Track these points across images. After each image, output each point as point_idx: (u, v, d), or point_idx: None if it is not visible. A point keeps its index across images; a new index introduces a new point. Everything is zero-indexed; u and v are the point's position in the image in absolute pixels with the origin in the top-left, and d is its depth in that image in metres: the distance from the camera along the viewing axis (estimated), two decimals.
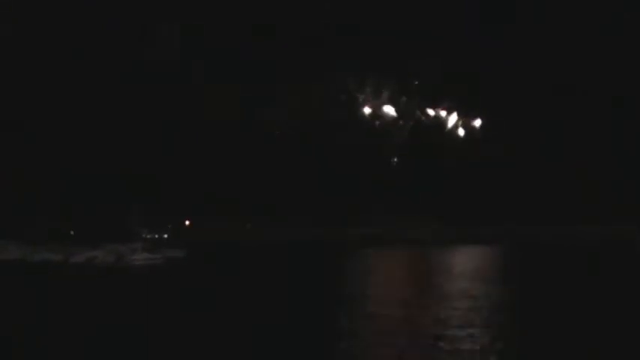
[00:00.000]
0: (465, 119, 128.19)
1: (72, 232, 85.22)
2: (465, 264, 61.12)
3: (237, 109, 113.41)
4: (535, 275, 50.65)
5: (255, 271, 56.31)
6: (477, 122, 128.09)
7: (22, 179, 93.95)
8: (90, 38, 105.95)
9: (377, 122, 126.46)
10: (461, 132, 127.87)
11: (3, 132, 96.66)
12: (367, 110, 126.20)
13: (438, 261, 66.61)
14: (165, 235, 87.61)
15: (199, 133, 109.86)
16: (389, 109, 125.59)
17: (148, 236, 73.63)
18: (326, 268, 59.79)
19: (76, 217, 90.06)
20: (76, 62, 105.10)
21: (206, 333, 25.52)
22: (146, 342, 24.27)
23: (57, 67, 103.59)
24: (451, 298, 34.65)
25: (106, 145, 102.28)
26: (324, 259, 70.67)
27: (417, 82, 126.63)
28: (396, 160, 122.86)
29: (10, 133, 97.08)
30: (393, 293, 37.99)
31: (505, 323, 26.95)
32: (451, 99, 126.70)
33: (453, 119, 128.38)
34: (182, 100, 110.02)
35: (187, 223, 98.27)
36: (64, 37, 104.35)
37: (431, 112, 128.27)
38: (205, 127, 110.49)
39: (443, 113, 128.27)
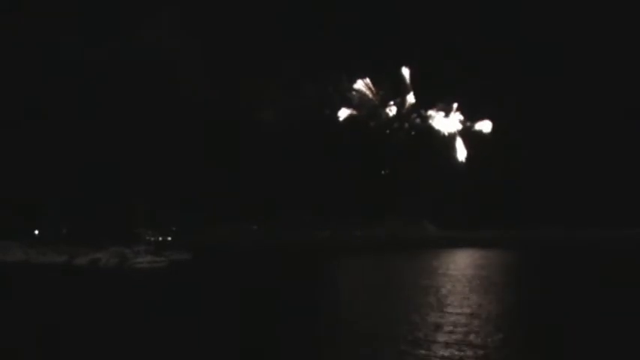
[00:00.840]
0: (468, 121, 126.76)
1: (64, 231, 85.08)
2: (465, 268, 60.74)
3: (237, 110, 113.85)
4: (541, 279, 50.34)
5: (255, 275, 56.08)
6: (486, 126, 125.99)
7: (26, 181, 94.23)
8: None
9: (372, 123, 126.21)
10: (459, 136, 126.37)
11: (5, 132, 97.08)
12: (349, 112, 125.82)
13: (436, 264, 66.21)
14: (169, 238, 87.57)
15: (199, 134, 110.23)
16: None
17: (152, 239, 73.51)
18: (325, 271, 59.82)
19: (80, 219, 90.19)
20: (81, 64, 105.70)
21: (195, 338, 25.59)
22: (137, 346, 24.43)
23: (61, 70, 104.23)
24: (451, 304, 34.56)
25: (108, 146, 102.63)
26: (323, 261, 70.75)
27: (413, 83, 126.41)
28: (386, 171, 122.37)
29: (12, 133, 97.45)
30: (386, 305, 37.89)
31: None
32: (451, 100, 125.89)
33: (453, 121, 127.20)
34: (182, 102, 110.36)
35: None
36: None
37: (430, 113, 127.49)
38: (204, 128, 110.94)
39: (442, 116, 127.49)
